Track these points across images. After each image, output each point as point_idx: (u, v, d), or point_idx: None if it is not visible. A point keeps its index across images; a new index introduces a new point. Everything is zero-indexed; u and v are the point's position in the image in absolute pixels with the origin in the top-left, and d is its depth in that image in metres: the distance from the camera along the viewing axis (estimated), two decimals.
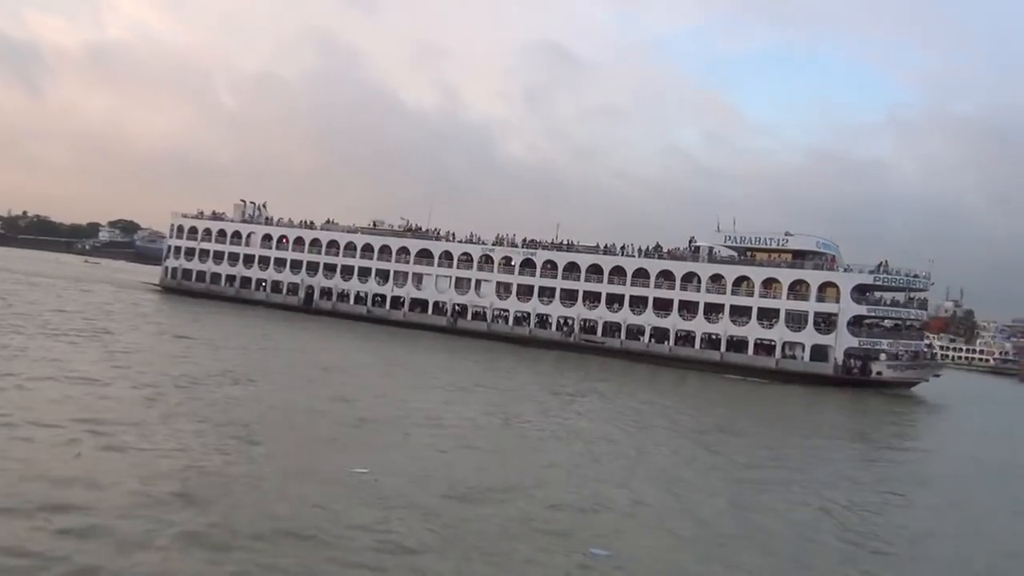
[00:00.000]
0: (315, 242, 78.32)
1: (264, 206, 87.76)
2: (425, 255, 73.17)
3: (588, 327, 65.70)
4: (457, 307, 70.87)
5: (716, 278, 61.70)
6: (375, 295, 74.27)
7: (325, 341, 49.15)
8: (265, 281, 79.68)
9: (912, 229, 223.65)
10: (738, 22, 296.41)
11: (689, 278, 62.53)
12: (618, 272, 64.97)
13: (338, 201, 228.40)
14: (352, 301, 75.46)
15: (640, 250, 65.45)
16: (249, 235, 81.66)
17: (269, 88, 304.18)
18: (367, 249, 75.72)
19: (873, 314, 57.71)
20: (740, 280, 60.89)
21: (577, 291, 66.05)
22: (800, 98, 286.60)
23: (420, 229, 76.35)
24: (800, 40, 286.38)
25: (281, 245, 79.80)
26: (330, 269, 76.84)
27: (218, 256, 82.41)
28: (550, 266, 67.88)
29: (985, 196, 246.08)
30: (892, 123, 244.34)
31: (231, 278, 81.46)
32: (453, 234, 73.73)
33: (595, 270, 66.03)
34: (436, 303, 71.95)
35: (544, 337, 65.62)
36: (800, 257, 59.93)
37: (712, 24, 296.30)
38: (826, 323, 58.28)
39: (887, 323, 59.10)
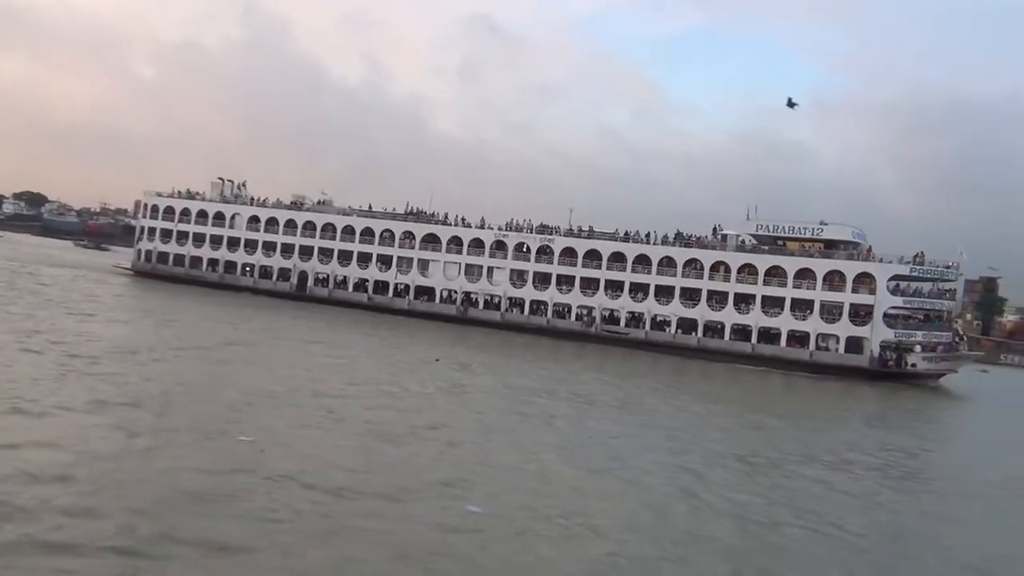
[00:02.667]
0: (309, 225, 75.32)
1: (244, 185, 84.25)
2: (431, 240, 70.99)
3: (610, 317, 64.72)
4: (468, 295, 69.04)
5: (747, 267, 61.36)
6: (377, 282, 71.81)
7: (330, 332, 47.01)
8: (252, 265, 76.32)
9: (832, 209, 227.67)
10: (664, 3, 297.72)
11: (717, 267, 62.05)
12: (642, 261, 64.09)
13: (260, 175, 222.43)
14: (351, 288, 72.83)
15: (664, 238, 64.67)
16: (234, 216, 78.05)
17: (190, 58, 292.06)
18: (367, 233, 73.09)
19: (909, 306, 58.17)
20: (772, 270, 60.66)
21: (598, 279, 64.93)
22: (725, 80, 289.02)
23: (423, 213, 74.06)
24: (724, 22, 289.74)
25: (271, 227, 76.48)
26: (326, 254, 73.96)
27: (199, 238, 78.57)
28: (569, 253, 66.56)
29: (899, 177, 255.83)
30: (815, 106, 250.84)
31: (214, 262, 77.74)
32: (463, 218, 71.74)
33: (617, 258, 64.98)
34: (444, 291, 69.94)
35: (563, 327, 64.35)
36: (832, 247, 59.97)
37: (640, 4, 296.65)
38: (862, 314, 58.51)
39: (919, 315, 59.75)
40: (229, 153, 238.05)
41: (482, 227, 70.20)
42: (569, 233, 67.65)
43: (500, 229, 69.35)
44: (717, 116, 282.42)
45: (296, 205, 78.92)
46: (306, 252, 74.49)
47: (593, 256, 65.74)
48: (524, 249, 67.91)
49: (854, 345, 57.71)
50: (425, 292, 70.60)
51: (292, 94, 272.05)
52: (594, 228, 67.11)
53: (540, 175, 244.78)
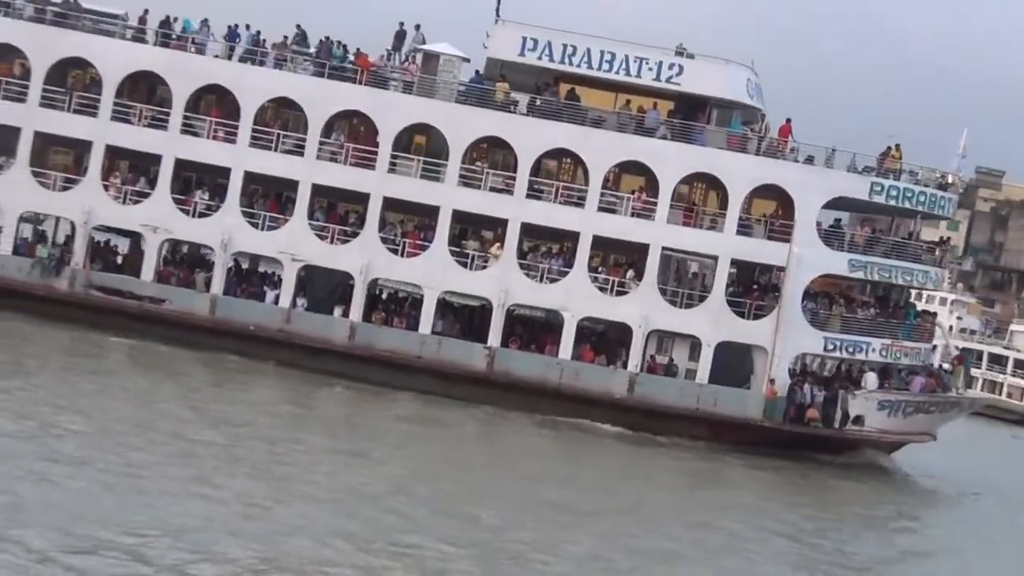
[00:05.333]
0: None
1: None
2: None
3: (112, 251, 25.01)
4: None
5: (487, 152, 24.50)
6: None
7: None
8: None
9: None
10: None
11: (404, 143, 24.55)
12: (221, 104, 24.50)
13: None
14: None
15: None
16: None
17: None
18: None
19: (859, 274, 24.71)
20: (554, 160, 24.51)
21: (88, 144, 24.11)
22: None
23: None
24: None
25: None
26: None
27: None
28: (7, 62, 24.77)
29: None
30: None
31: None
32: None
33: (145, 91, 24.71)
34: None
35: None
36: (695, 113, 24.56)
37: None
38: (754, 288, 24.56)
39: (873, 296, 27.12)
40: None
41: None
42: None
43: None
44: None
45: None
46: None
47: (79, 80, 24.69)
48: None
49: (732, 364, 23.64)
50: None
51: None
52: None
53: None
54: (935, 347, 29.93)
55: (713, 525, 16.62)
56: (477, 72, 24.87)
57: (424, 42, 24.63)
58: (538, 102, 24.28)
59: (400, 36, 24.80)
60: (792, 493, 21.35)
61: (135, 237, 25.52)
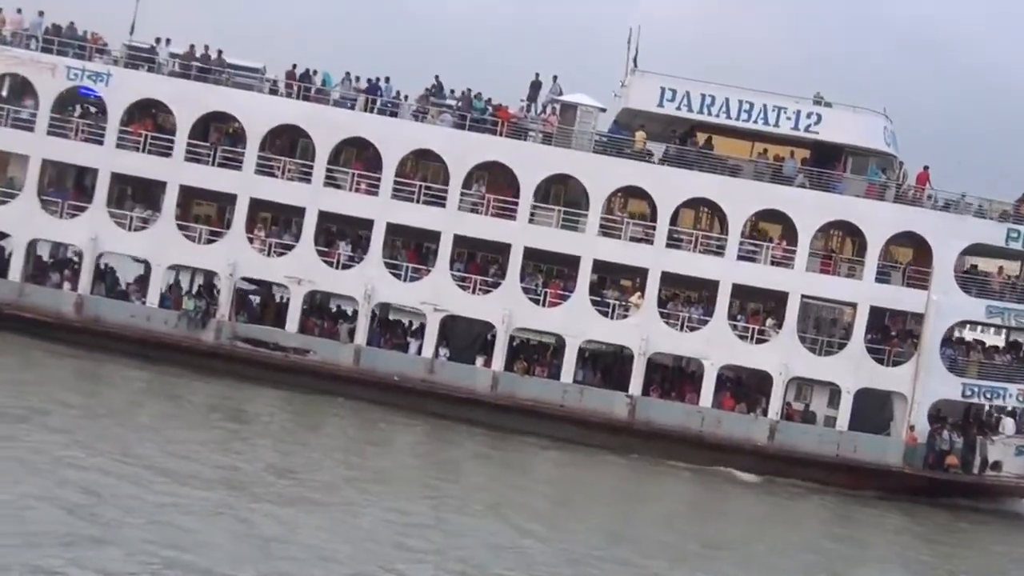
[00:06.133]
0: None
1: None
2: None
3: (259, 305, 25.39)
4: None
5: (629, 200, 24.83)
6: None
7: None
8: None
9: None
10: None
11: (547, 192, 24.83)
12: (361, 158, 25.00)
13: None
14: None
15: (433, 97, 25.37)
16: None
17: None
18: None
19: (996, 320, 25.11)
20: (690, 210, 24.82)
21: (233, 197, 24.48)
22: None
23: None
24: None
25: None
26: None
27: None
28: (153, 119, 25.12)
29: None
30: None
31: None
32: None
33: (288, 144, 25.06)
34: None
35: (120, 323, 23.63)
36: (830, 162, 24.97)
37: None
38: (893, 336, 24.88)
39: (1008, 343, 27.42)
40: None
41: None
42: (140, 63, 25.46)
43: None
44: None
45: None
46: None
47: (220, 132, 25.17)
48: (20, 94, 25.25)
49: (872, 412, 23.97)
50: None
51: None
52: (221, 54, 25.57)
53: None
54: None
55: None
56: (616, 122, 25.22)
57: (561, 93, 24.98)
58: (674, 151, 24.72)
59: (535, 87, 25.17)
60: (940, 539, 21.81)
61: (266, 287, 26.02)
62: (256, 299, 25.90)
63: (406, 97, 24.94)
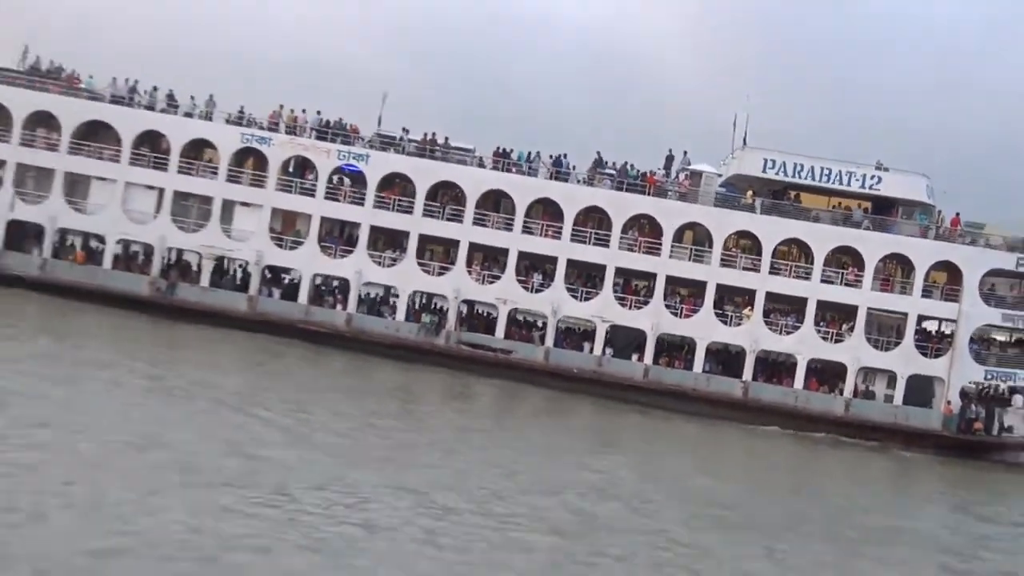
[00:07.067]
0: None
1: None
2: (100, 136, 35.04)
3: (477, 317, 34.89)
4: (180, 257, 35.04)
5: (742, 238, 34.28)
6: None
7: None
8: None
9: (561, 75, 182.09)
10: None
11: (682, 234, 34.34)
12: (547, 212, 34.58)
13: None
14: None
15: (593, 173, 35.13)
16: None
17: None
18: None
19: (1011, 324, 34.68)
20: (785, 246, 34.26)
21: (456, 242, 34.24)
22: None
23: (68, 74, 36.87)
24: None
25: None
26: None
27: None
28: (394, 185, 34.88)
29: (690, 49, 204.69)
30: None
31: None
32: (171, 96, 35.94)
33: (494, 202, 34.68)
34: (125, 245, 35.02)
35: (378, 333, 33.35)
36: (885, 211, 34.58)
37: None
38: (934, 337, 34.33)
39: (1015, 340, 36.86)
40: None
41: (210, 116, 35.46)
42: (391, 145, 35.52)
43: (250, 122, 35.25)
44: None
45: None
46: None
47: (447, 195, 34.85)
48: (303, 171, 35.05)
49: (919, 391, 33.42)
50: (85, 245, 35.31)
51: None
52: (448, 141, 35.52)
53: None
54: None
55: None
56: (729, 183, 34.79)
57: (690, 163, 34.63)
58: (769, 204, 34.24)
59: (669, 159, 34.86)
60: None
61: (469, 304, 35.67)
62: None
63: (573, 167, 34.68)
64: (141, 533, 12.35)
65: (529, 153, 34.72)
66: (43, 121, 34.54)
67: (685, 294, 34.91)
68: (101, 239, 34.73)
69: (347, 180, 34.99)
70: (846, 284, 33.70)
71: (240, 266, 34.85)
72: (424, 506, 15.81)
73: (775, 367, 34.85)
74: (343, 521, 14.33)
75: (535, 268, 34.77)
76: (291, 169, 34.74)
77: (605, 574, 14.50)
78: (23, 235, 34.33)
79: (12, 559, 10.98)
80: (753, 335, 33.42)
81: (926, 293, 33.66)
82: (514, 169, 34.27)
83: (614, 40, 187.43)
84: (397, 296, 34.44)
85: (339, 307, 34.09)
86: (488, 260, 34.95)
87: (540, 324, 34.87)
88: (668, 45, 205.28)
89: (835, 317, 34.67)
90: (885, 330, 34.49)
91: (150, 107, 34.66)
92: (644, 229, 34.43)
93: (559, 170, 34.15)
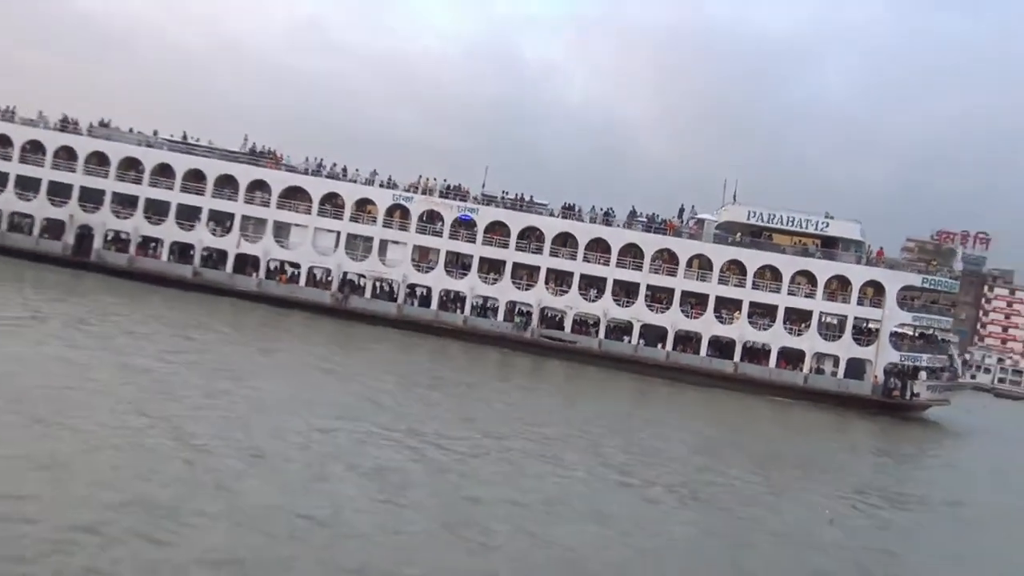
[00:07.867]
0: (97, 158, 52.45)
1: None
2: (297, 196, 51.85)
3: (552, 319, 50.95)
4: (348, 278, 51.47)
5: (733, 265, 50.15)
6: (209, 250, 51.54)
7: None
8: None
9: (569, 140, 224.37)
10: None
11: (692, 262, 50.30)
12: (598, 247, 50.66)
13: None
14: (166, 255, 51.77)
15: (629, 220, 51.56)
16: None
17: None
18: (195, 177, 52.06)
19: (917, 323, 50.29)
20: (763, 271, 50.04)
21: (538, 267, 50.47)
22: None
23: (273, 154, 54.04)
24: None
25: (31, 155, 52.47)
26: (126, 202, 52.04)
27: None
28: (497, 229, 51.18)
29: (655, 112, 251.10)
30: (571, 21, 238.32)
31: None
32: (344, 169, 52.94)
33: (563, 241, 50.89)
34: (315, 270, 51.64)
35: (486, 329, 49.57)
36: (833, 246, 50.35)
37: None
38: (866, 332, 49.93)
39: (919, 334, 52.42)
40: None
41: (371, 182, 52.25)
42: (493, 201, 51.99)
43: (397, 187, 51.88)
44: (443, 21, 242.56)
45: (68, 125, 54.75)
46: (92, 197, 51.93)
47: (531, 236, 51.07)
48: (436, 220, 51.52)
49: (855, 369, 49.07)
50: (286, 270, 52.00)
51: None
52: (532, 199, 52.00)
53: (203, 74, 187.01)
54: (951, 356, 55.12)
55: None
56: (721, 227, 50.73)
57: (696, 213, 50.70)
58: (749, 242, 50.09)
59: (681, 211, 50.94)
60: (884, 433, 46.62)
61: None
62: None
63: (612, 213, 50.81)
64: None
65: (592, 207, 51.17)
66: (259, 186, 51.46)
67: (694, 302, 50.89)
68: (297, 266, 51.43)
69: (464, 225, 51.52)
70: (805, 296, 49.55)
71: (391, 284, 51.38)
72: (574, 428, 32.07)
73: (756, 352, 50.75)
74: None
75: (591, 285, 50.96)
76: (425, 218, 51.26)
77: (637, 468, 30.56)
78: (245, 264, 51.10)
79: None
80: (741, 331, 49.30)
81: (860, 302, 49.38)
82: (576, 217, 50.72)
83: (607, 119, 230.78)
84: (498, 304, 50.80)
85: (458, 312, 50.49)
86: (559, 280, 51.20)
87: (594, 323, 51.01)
88: (642, 126, 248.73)
89: (797, 318, 50.52)
90: (831, 327, 50.24)
91: (331, 176, 51.47)
92: (666, 258, 50.53)
93: (608, 218, 50.42)
